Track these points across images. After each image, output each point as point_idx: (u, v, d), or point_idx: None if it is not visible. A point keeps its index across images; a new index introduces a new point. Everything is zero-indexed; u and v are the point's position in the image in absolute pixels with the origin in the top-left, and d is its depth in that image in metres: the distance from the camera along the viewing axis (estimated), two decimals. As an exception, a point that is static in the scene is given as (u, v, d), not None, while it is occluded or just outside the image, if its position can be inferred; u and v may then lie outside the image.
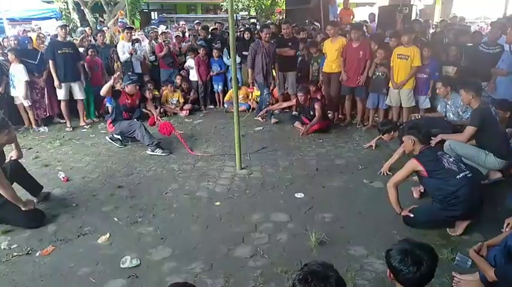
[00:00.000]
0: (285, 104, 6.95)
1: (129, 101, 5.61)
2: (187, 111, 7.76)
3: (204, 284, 2.71)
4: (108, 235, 3.36)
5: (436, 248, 3.01)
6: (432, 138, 4.24)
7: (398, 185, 3.38)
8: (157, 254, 3.08)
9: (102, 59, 7.49)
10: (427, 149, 3.38)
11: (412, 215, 3.30)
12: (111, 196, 4.16)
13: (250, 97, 7.98)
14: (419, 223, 3.29)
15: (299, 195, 4.09)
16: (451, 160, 3.28)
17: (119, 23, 9.37)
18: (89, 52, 7.20)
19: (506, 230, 2.89)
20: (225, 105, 8.07)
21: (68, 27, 7.43)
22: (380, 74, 6.18)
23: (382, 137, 5.02)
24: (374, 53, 6.22)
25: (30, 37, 7.93)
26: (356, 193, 4.14)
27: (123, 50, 7.60)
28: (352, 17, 10.89)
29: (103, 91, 5.43)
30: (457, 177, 3.11)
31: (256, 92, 7.98)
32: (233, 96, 4.84)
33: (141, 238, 3.33)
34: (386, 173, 4.49)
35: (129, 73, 7.10)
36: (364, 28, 8.07)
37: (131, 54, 7.61)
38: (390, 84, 6.06)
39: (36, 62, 6.72)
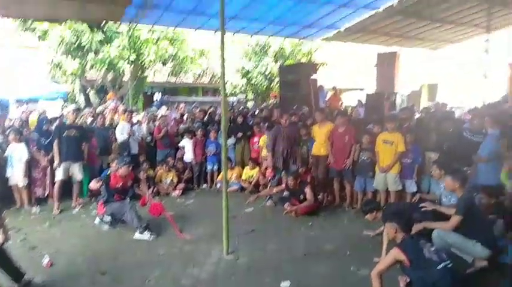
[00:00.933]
0: (275, 190, 7.08)
1: (121, 184, 5.73)
2: (180, 191, 7.86)
3: None
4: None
5: None
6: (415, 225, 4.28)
7: (382, 274, 3.36)
8: None
9: (99, 140, 7.79)
10: (409, 237, 3.42)
11: (396, 307, 3.23)
12: (92, 285, 4.07)
13: (243, 177, 8.15)
14: (404, 314, 3.22)
15: (285, 283, 4.02)
16: (432, 249, 3.31)
17: (111, 105, 9.89)
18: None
19: None
20: (218, 185, 8.19)
21: (79, 111, 7.85)
22: (365, 158, 6.41)
23: (366, 217, 5.08)
24: (359, 138, 6.52)
25: (47, 117, 8.28)
26: (343, 280, 4.09)
27: (122, 131, 7.93)
28: (340, 102, 11.53)
29: (92, 186, 5.68)
30: (438, 268, 3.12)
31: (249, 172, 8.17)
32: (223, 180, 4.96)
33: (118, 331, 3.23)
34: None
35: (125, 154, 7.39)
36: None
37: (129, 135, 7.93)
38: (376, 169, 6.25)
39: (45, 143, 6.99)
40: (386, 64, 10.25)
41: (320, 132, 6.91)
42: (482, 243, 4.01)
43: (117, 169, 5.75)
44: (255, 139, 8.43)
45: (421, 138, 6.47)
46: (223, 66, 4.61)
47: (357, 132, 6.73)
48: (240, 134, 8.47)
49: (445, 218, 4.36)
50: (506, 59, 11.68)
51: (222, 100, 4.83)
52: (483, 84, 9.43)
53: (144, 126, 8.74)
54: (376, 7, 9.30)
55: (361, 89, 15.77)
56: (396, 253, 3.32)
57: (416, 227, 4.26)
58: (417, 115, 9.23)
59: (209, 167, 8.36)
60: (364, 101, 10.31)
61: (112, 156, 7.42)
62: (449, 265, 3.20)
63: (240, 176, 8.24)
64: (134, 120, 8.95)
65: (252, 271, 4.33)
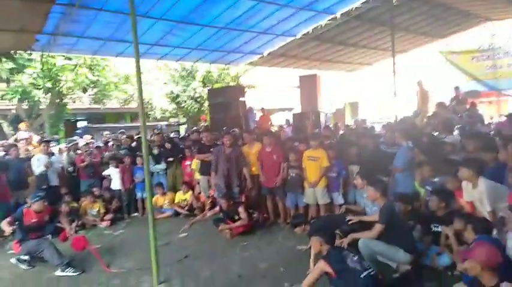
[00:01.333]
0: (209, 213, 6.99)
1: (35, 220, 5.28)
2: (109, 221, 7.44)
3: None
4: None
5: None
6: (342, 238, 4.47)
7: (311, 287, 3.44)
8: None
9: (14, 174, 7.15)
10: (334, 249, 3.56)
11: (326, 319, 3.31)
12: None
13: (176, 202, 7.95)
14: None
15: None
16: (355, 259, 3.46)
17: (23, 135, 9.23)
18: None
19: None
20: (149, 213, 7.87)
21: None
22: (294, 175, 6.62)
23: (295, 230, 5.33)
24: (286, 155, 6.74)
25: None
26: (277, 298, 4.09)
27: (39, 163, 7.37)
28: (270, 122, 11.87)
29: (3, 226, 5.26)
30: (361, 276, 3.27)
31: (182, 196, 7.99)
32: (148, 204, 4.77)
33: None
34: None
35: (43, 187, 6.86)
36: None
37: (47, 167, 7.38)
38: (305, 184, 6.47)
39: None
40: (308, 85, 10.80)
41: (250, 153, 7.02)
42: (404, 249, 4.27)
43: (30, 205, 5.30)
44: (187, 162, 8.31)
45: (344, 153, 6.85)
46: (140, 92, 4.56)
47: (286, 150, 6.95)
48: (170, 159, 8.30)
49: (372, 226, 4.62)
50: (415, 78, 12.90)
51: (142, 126, 4.71)
52: (396, 101, 10.33)
53: (64, 156, 8.21)
54: (293, 34, 9.90)
55: (290, 109, 16.39)
56: (322, 265, 3.43)
57: (345, 241, 4.46)
58: (341, 132, 9.81)
59: (139, 195, 8.03)
60: (291, 121, 10.72)
61: (29, 190, 6.85)
62: (372, 273, 3.37)
63: (173, 201, 8.03)
64: (54, 150, 8.39)
65: (185, 301, 4.18)
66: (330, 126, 9.89)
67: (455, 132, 6.41)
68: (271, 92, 19.86)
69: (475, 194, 4.05)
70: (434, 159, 5.36)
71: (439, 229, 4.60)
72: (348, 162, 6.64)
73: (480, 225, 3.55)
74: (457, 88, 11.68)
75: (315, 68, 12.78)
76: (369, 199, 4.99)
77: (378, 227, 4.30)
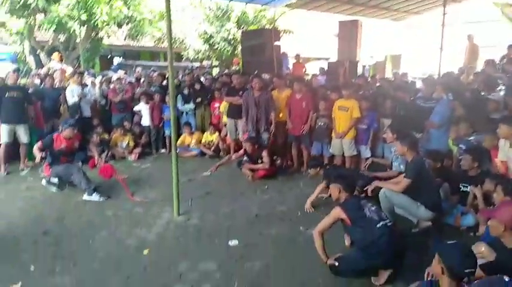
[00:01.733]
0: (234, 156, 6.99)
1: (65, 145, 5.46)
2: (137, 155, 7.65)
3: None
4: (19, 285, 3.12)
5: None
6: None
7: (324, 232, 3.41)
8: (67, 308, 2.88)
9: (49, 102, 7.39)
10: (352, 197, 3.47)
11: (337, 264, 3.30)
12: (33, 244, 3.92)
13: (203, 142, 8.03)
14: (343, 271, 3.28)
15: (233, 243, 4.02)
16: (373, 208, 3.36)
17: (57, 66, 9.37)
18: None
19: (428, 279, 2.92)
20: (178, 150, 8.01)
21: (19, 72, 7.36)
22: (322, 124, 6.43)
23: (309, 171, 5.54)
24: (316, 104, 6.52)
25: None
26: (291, 240, 4.12)
27: (73, 93, 7.55)
28: (304, 69, 11.45)
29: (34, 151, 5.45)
30: (377, 226, 3.18)
31: (209, 137, 8.05)
32: (172, 142, 4.81)
33: (55, 289, 3.13)
34: (310, 211, 4.85)
35: (76, 117, 7.06)
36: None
37: (80, 98, 7.55)
38: (333, 134, 6.30)
39: None
40: (348, 32, 10.15)
41: (279, 98, 6.84)
42: (426, 206, 4.13)
43: (61, 131, 5.47)
44: (216, 105, 8.26)
45: (378, 105, 6.55)
46: (169, 30, 4.45)
47: (316, 99, 6.72)
48: (199, 99, 8.27)
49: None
50: (466, 32, 11.91)
51: (169, 64, 4.61)
52: (442, 56, 9.60)
53: (97, 89, 8.35)
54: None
55: (327, 59, 15.73)
56: (337, 212, 3.36)
57: (369, 188, 4.35)
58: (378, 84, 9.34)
59: (167, 132, 8.12)
60: (325, 69, 10.29)
61: (62, 119, 7.08)
62: (389, 224, 3.27)
63: (200, 141, 8.11)
64: (87, 82, 8.53)
65: (201, 232, 4.30)
66: (367, 77, 9.40)
67: (501, 91, 5.92)
68: (308, 39, 19.01)
69: (511, 153, 3.77)
70: (474, 116, 5.01)
71: (468, 189, 4.41)
72: (381, 115, 6.36)
73: (511, 186, 3.32)
74: (510, 46, 10.70)
75: (358, 14, 11.93)
76: (397, 153, 4.81)
77: (404, 182, 4.11)
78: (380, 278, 3.21)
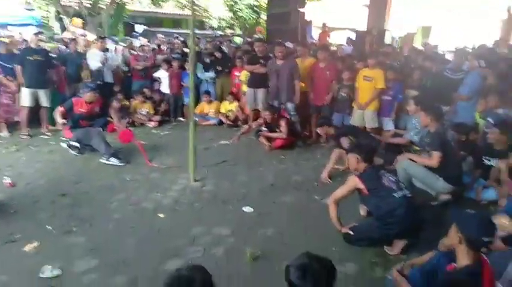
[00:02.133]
0: (254, 125, 6.91)
1: (85, 110, 5.51)
2: (156, 122, 7.68)
3: (122, 298, 2.58)
4: (36, 244, 3.22)
5: (370, 266, 3.03)
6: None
7: (339, 201, 3.34)
8: (81, 265, 2.95)
9: (72, 67, 7.44)
10: (370, 167, 3.36)
11: (351, 233, 3.24)
12: (51, 204, 4.02)
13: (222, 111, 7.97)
14: (358, 240, 3.24)
15: (247, 209, 4.01)
16: (392, 179, 3.26)
17: (78, 31, 9.37)
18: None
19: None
20: (196, 118, 8.00)
21: (41, 35, 7.38)
22: (344, 94, 6.23)
23: (317, 130, 5.55)
24: (340, 74, 6.30)
25: (3, 41, 7.84)
26: (305, 209, 4.08)
27: (95, 58, 7.56)
28: (328, 38, 11.06)
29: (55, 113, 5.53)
30: (395, 195, 3.09)
31: (228, 106, 7.98)
32: (190, 109, 4.77)
33: (70, 248, 3.20)
34: (327, 181, 4.77)
35: (98, 82, 7.09)
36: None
37: (103, 63, 7.57)
38: (354, 105, 6.10)
39: (11, 66, 6.59)
40: (378, 1, 9.70)
41: (301, 67, 6.62)
42: (445, 178, 3.98)
43: (83, 95, 5.51)
44: (236, 73, 8.13)
45: (405, 75, 6.28)
46: None
47: (341, 69, 6.48)
48: (219, 68, 8.15)
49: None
50: (506, 3, 11.17)
51: (191, 30, 4.50)
52: (477, 28, 9.07)
53: (119, 55, 8.34)
54: None
55: (354, 29, 15.14)
56: (355, 182, 3.27)
57: (400, 158, 4.22)
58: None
59: (186, 100, 8.09)
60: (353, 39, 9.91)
61: (83, 84, 7.13)
62: (408, 195, 3.16)
63: (219, 110, 8.05)
64: (110, 47, 8.52)
65: (216, 198, 4.30)
66: (395, 47, 8.99)
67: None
68: (336, 8, 18.29)
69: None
70: (506, 88, 4.71)
71: (491, 163, 4.21)
72: (407, 86, 6.09)
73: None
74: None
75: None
76: (421, 124, 4.61)
77: (436, 156, 3.93)
78: (394, 248, 3.14)
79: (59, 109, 5.52)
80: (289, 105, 6.49)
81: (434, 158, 3.94)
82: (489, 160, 4.26)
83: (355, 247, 3.25)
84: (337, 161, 5.00)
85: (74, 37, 8.72)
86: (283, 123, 6.19)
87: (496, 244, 2.32)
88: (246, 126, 7.17)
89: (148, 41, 11.42)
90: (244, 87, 7.70)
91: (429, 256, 2.49)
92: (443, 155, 3.93)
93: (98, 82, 7.25)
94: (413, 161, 4.13)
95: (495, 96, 4.62)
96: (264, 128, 6.76)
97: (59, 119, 5.48)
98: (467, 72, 5.67)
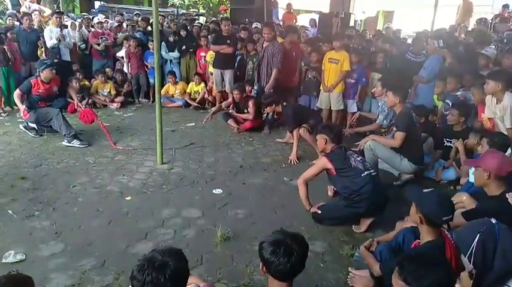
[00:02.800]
0: (224, 105, 6.83)
1: (43, 89, 5.22)
2: (119, 103, 7.43)
3: (91, 282, 2.52)
4: (-6, 230, 3.06)
5: (339, 244, 3.13)
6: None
7: (308, 182, 3.41)
8: (46, 250, 2.85)
9: (26, 44, 7.00)
10: (338, 148, 3.43)
11: (319, 212, 3.32)
12: (11, 188, 3.82)
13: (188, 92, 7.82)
14: (326, 219, 3.33)
15: (217, 191, 4.00)
16: (358, 159, 3.35)
17: (32, 6, 8.80)
18: (8, 35, 6.67)
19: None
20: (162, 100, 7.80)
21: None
22: (311, 77, 6.29)
23: (265, 109, 5.55)
24: (307, 56, 6.33)
25: None
26: (275, 190, 4.12)
27: (51, 35, 7.14)
28: (294, 20, 11.05)
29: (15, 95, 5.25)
30: (362, 175, 3.19)
31: (194, 88, 7.84)
32: (156, 90, 4.63)
33: (34, 232, 3.07)
34: (295, 163, 4.87)
35: (54, 61, 6.71)
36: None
37: (59, 40, 7.16)
38: (321, 87, 6.18)
39: None
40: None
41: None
42: (409, 159, 4.14)
43: (39, 74, 5.20)
44: (202, 53, 7.97)
45: (368, 58, 6.40)
46: None
47: (309, 51, 6.50)
48: (184, 47, 7.94)
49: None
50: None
51: (154, 8, 4.31)
52: (435, 14, 9.35)
53: (76, 32, 7.91)
54: None
55: (319, 12, 15.21)
56: (323, 162, 3.34)
57: (364, 140, 4.32)
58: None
59: (151, 81, 7.84)
60: (317, 21, 9.95)
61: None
62: (373, 173, 3.28)
63: (185, 91, 7.89)
64: (67, 23, 8.06)
65: (185, 180, 4.26)
66: (358, 30, 9.14)
67: (492, 46, 5.82)
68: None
69: (498, 110, 3.74)
70: (464, 71, 4.93)
71: (451, 144, 4.42)
72: (370, 69, 6.22)
73: (497, 139, 3.32)
74: (505, 6, 10.48)
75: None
76: (387, 105, 4.72)
77: (399, 135, 4.05)
78: (361, 226, 3.26)
79: (17, 93, 5.19)
80: (256, 86, 6.44)
81: (397, 139, 4.06)
82: (449, 141, 4.46)
83: (323, 226, 3.34)
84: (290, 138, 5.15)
85: (28, 12, 8.15)
86: (251, 103, 6.17)
87: (457, 220, 2.46)
88: (217, 106, 7.07)
89: (107, 17, 10.93)
90: (211, 68, 7.58)
91: (394, 233, 2.61)
92: (408, 136, 4.06)
93: (55, 60, 6.87)
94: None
95: (453, 79, 4.81)
96: (231, 110, 6.73)
97: (20, 105, 5.15)
98: (426, 56, 5.88)
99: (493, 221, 1.84)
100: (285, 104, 5.50)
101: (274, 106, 5.43)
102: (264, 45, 6.22)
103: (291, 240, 1.70)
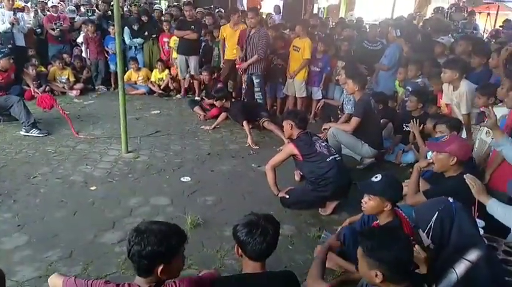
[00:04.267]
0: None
1: (2, 79, 4.96)
2: (78, 91, 7.15)
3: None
4: None
5: (306, 226, 3.22)
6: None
7: (276, 167, 3.48)
8: (10, 243, 2.75)
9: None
10: (304, 133, 3.51)
11: (287, 196, 3.41)
12: (-35, 181, 3.63)
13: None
14: (294, 203, 3.42)
15: (185, 179, 3.99)
16: (323, 144, 3.46)
17: None
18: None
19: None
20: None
21: None
22: (276, 64, 6.33)
23: (215, 103, 5.59)
24: (274, 43, 6.34)
25: None
26: (243, 176, 4.17)
27: (3, 19, 6.71)
28: (259, 6, 10.99)
29: None
30: (327, 160, 3.29)
31: (158, 75, 7.67)
32: (119, 76, 4.48)
33: (-5, 226, 2.95)
34: (254, 147, 5.00)
35: (8, 46, 6.34)
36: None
37: (12, 24, 6.74)
38: (287, 75, 6.24)
39: None
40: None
41: (234, 34, 6.51)
42: (369, 144, 4.30)
43: None
44: (165, 39, 7.78)
45: (333, 47, 6.51)
46: None
47: (274, 37, 6.51)
48: (146, 33, 7.72)
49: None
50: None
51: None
52: (394, 3, 9.65)
53: (32, 17, 7.49)
54: None
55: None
56: (290, 148, 3.42)
57: (327, 125, 4.43)
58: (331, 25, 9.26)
59: (112, 68, 7.58)
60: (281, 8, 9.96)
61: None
62: (338, 158, 3.39)
63: (148, 78, 7.71)
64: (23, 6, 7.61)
65: (151, 168, 4.21)
66: (322, 17, 9.26)
67: (449, 35, 6.11)
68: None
69: (454, 96, 3.96)
70: (422, 58, 5.15)
71: (409, 129, 4.62)
72: (335, 57, 6.34)
73: (455, 123, 3.52)
74: (460, -6, 10.97)
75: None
76: (347, 92, 4.86)
77: (354, 121, 4.24)
78: (327, 209, 3.38)
79: None
80: (255, 79, 6.07)
81: (352, 124, 4.25)
82: (408, 126, 4.65)
83: (291, 210, 3.43)
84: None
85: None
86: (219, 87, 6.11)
87: (418, 199, 2.61)
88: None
89: (62, 1, 10.40)
90: (175, 54, 7.44)
91: (359, 216, 2.74)
92: (366, 122, 4.22)
93: (9, 46, 6.49)
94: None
95: (414, 66, 5.01)
96: (197, 98, 6.66)
97: None
98: (384, 44, 6.07)
99: (450, 200, 1.98)
100: (233, 101, 5.55)
101: (224, 101, 5.50)
102: (250, 33, 5.92)
103: (264, 220, 1.76)
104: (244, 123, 5.19)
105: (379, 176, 2.36)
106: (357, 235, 2.41)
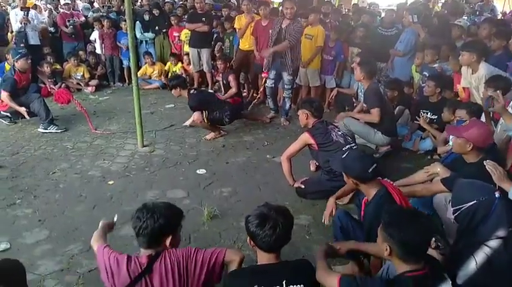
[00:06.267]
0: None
1: (25, 81, 5.08)
2: (93, 87, 7.23)
3: (80, 266, 2.52)
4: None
5: (322, 216, 3.20)
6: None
7: (292, 157, 3.46)
8: (31, 237, 2.82)
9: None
10: (319, 122, 3.47)
11: (303, 187, 3.39)
12: (-13, 178, 3.73)
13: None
14: (309, 193, 3.40)
15: (201, 171, 4.02)
16: (339, 133, 3.42)
17: None
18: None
19: None
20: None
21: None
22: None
23: (171, 91, 5.05)
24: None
25: None
26: (258, 167, 4.17)
27: (16, 18, 6.81)
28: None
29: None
30: (343, 149, 3.24)
31: (172, 68, 7.68)
32: (132, 71, 4.51)
33: (16, 221, 3.03)
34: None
35: (21, 46, 6.43)
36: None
37: (24, 23, 6.82)
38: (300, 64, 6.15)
39: None
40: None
41: (242, 25, 6.45)
42: (382, 132, 4.22)
43: (14, 64, 4.98)
44: (175, 33, 7.75)
45: (345, 34, 6.40)
46: None
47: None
48: (157, 27, 7.71)
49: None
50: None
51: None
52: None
53: (44, 14, 7.58)
54: None
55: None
56: (305, 137, 3.38)
57: (340, 116, 4.37)
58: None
59: (125, 63, 7.62)
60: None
61: (8, 47, 6.46)
62: (354, 147, 3.35)
63: (161, 73, 7.73)
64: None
65: (167, 162, 4.24)
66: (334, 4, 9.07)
67: (465, 17, 5.92)
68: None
69: (473, 80, 3.85)
70: (440, 43, 5.01)
71: (428, 115, 4.53)
72: (349, 44, 6.23)
73: (475, 108, 3.43)
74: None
75: None
76: (355, 78, 4.77)
77: (375, 111, 4.13)
78: (344, 199, 3.33)
79: (6, 95, 4.90)
80: (286, 77, 5.47)
81: (374, 114, 4.14)
82: (426, 113, 4.56)
83: (307, 200, 3.42)
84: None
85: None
86: (232, 78, 6.03)
87: (436, 187, 2.54)
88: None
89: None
90: (186, 47, 7.42)
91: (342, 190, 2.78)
92: (381, 110, 4.15)
93: (21, 45, 6.58)
94: (355, 118, 4.35)
95: (431, 51, 4.88)
96: (210, 90, 6.61)
97: (18, 107, 4.92)
98: (400, 29, 5.93)
99: (497, 195, 1.87)
100: (192, 91, 5.08)
101: (179, 90, 4.94)
102: (282, 25, 5.28)
103: (275, 213, 1.74)
104: (196, 114, 4.83)
105: (347, 154, 2.46)
106: (350, 216, 2.50)
